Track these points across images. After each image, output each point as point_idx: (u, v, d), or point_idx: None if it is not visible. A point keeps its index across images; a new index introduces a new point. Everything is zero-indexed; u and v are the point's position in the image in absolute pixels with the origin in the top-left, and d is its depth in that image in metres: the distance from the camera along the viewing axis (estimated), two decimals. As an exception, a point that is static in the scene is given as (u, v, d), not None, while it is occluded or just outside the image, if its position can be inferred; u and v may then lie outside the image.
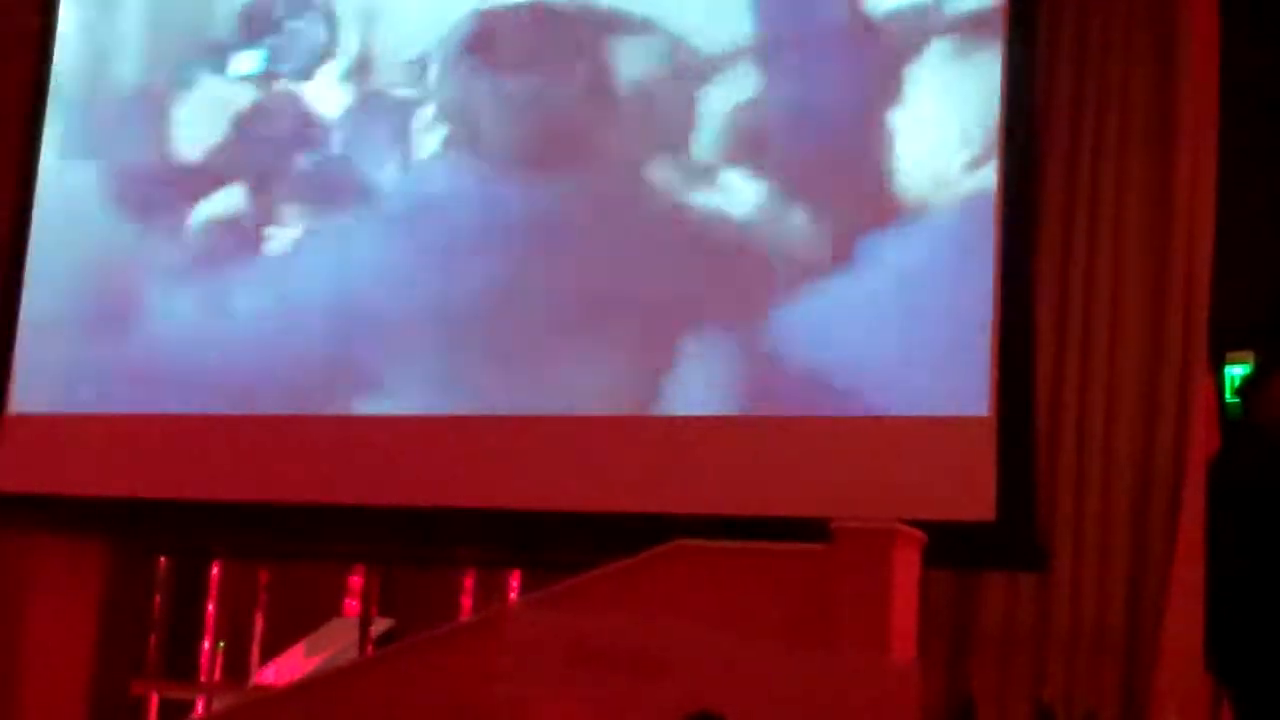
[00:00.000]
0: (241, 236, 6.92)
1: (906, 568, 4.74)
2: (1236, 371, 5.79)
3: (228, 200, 6.99)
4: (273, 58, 7.11)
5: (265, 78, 7.10)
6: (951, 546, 5.14)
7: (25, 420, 7.20)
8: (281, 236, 6.87)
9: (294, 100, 7.02)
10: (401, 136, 6.73)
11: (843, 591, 4.63)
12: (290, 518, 6.52)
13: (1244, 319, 5.79)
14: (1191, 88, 5.75)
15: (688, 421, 6.05)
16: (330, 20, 7.02)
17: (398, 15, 6.88)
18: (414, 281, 6.54)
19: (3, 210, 7.39)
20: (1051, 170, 5.85)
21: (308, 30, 7.10)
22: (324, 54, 6.99)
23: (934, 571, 5.10)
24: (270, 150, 6.99)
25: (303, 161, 6.93)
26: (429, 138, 6.69)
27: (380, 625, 7.01)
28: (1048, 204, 5.83)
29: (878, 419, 5.76)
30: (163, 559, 7.14)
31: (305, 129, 6.94)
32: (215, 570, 7.07)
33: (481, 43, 6.71)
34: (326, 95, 6.92)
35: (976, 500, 5.50)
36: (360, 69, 6.90)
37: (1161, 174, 5.76)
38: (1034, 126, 5.83)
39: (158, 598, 7.31)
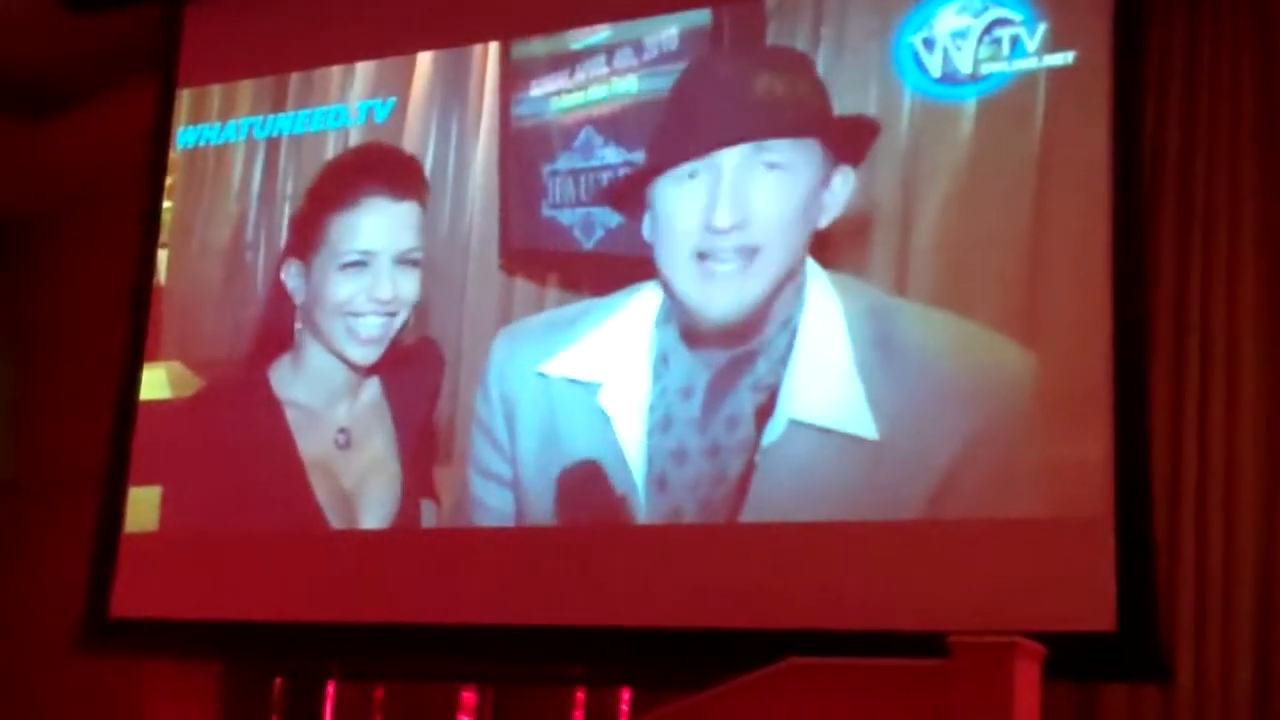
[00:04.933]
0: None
1: (1027, 682, 4.62)
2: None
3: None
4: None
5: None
6: (1071, 659, 5.02)
7: (138, 540, 7.27)
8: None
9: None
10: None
11: (962, 707, 4.49)
12: (404, 637, 6.52)
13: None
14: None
15: (790, 529, 5.97)
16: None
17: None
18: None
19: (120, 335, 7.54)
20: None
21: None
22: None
23: (1052, 683, 4.97)
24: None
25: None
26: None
27: (493, 740, 6.98)
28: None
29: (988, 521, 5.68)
30: (279, 679, 7.18)
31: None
32: (331, 689, 7.09)
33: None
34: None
35: (1096, 609, 5.38)
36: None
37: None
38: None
39: (274, 719, 7.33)
